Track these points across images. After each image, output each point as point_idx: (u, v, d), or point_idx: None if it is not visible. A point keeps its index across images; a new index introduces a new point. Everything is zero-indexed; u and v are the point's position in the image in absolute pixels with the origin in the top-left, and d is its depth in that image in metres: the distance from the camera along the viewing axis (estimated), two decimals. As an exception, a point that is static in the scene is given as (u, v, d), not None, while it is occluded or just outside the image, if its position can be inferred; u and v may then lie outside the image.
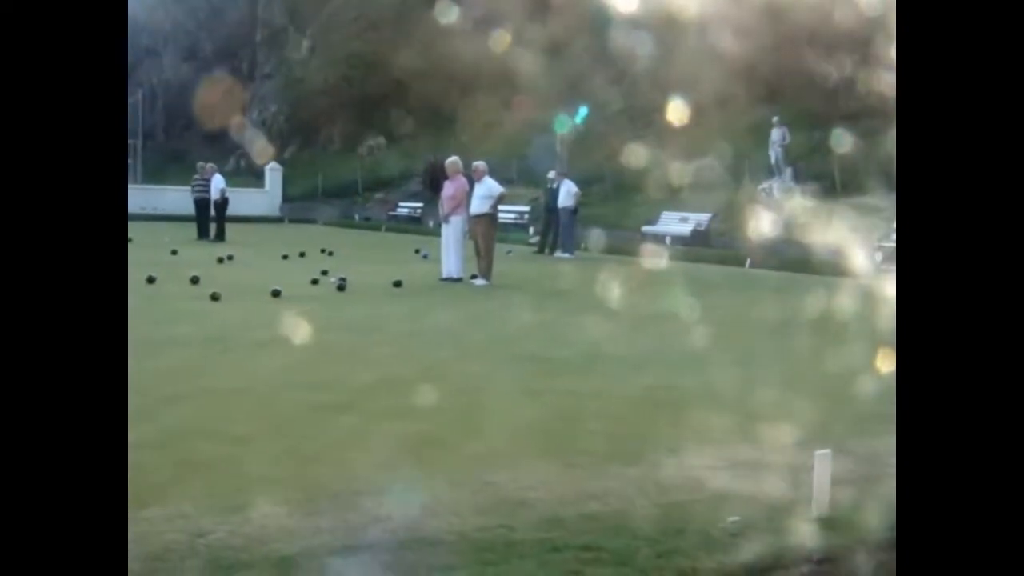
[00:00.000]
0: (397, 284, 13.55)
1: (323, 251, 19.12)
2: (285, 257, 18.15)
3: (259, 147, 41.49)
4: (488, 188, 14.93)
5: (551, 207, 21.65)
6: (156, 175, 39.27)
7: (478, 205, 14.88)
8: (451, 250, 14.77)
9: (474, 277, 14.51)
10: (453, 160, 15.24)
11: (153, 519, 3.91)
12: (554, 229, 21.67)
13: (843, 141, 22.31)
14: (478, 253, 14.63)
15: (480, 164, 15.32)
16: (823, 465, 4.07)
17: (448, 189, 15.00)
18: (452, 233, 14.79)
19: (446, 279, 14.48)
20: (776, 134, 24.47)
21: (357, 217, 33.58)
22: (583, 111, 27.12)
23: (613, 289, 12.91)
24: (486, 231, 14.73)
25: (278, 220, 33.74)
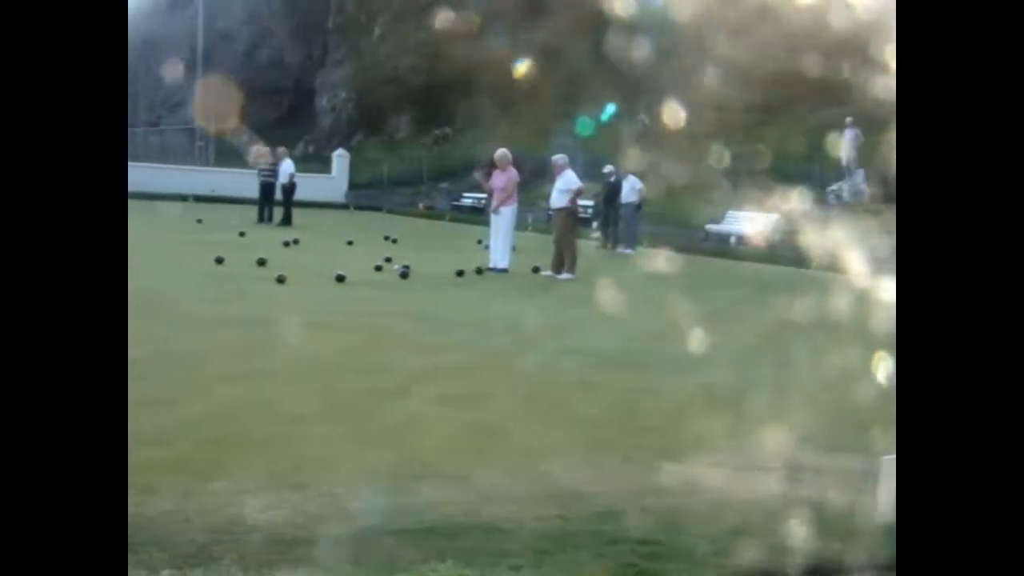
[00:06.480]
0: (459, 273, 13.59)
1: (387, 239, 19.27)
2: (350, 243, 18.32)
3: (328, 133, 41.98)
4: (567, 182, 14.95)
5: (610, 201, 21.55)
6: (227, 158, 39.87)
7: (557, 199, 14.95)
8: (499, 241, 14.80)
9: (540, 271, 14.52)
10: (503, 152, 15.25)
11: (216, 492, 3.99)
12: (615, 224, 21.58)
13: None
14: (559, 247, 14.58)
15: (559, 158, 15.34)
16: (889, 470, 3.99)
17: (498, 180, 15.03)
18: (502, 224, 14.82)
19: (492, 269, 14.50)
20: (849, 135, 24.04)
21: (421, 206, 33.76)
22: (611, 109, 26.98)
23: (673, 286, 12.82)
24: (565, 225, 14.70)
25: (343, 206, 34.04)
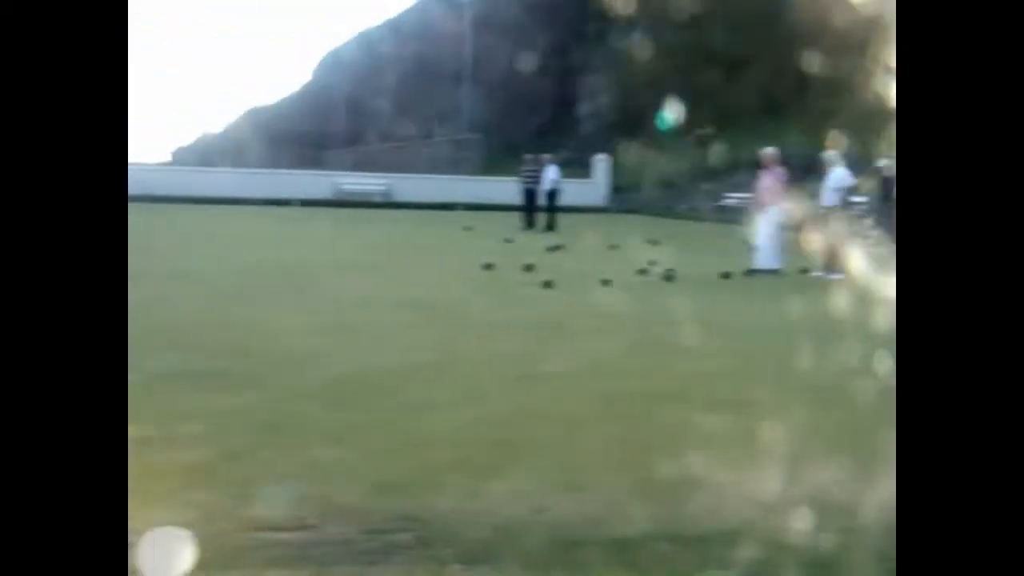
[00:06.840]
0: (725, 276, 13.37)
1: (649, 241, 19.26)
2: (613, 247, 18.47)
3: (588, 139, 42.57)
4: (838, 179, 14.54)
5: (885, 197, 20.49)
6: (492, 167, 41.30)
7: (828, 197, 14.59)
8: (766, 241, 14.49)
9: (810, 271, 14.09)
10: (769, 150, 15.01)
11: (495, 493, 4.13)
12: (890, 221, 20.51)
13: None
14: (830, 246, 14.20)
15: (828, 155, 14.98)
16: None
17: (765, 180, 14.77)
18: (769, 224, 14.49)
19: (759, 270, 14.15)
20: None
21: (683, 207, 33.49)
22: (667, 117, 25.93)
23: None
24: (836, 223, 14.31)
25: (605, 210, 34.35)
